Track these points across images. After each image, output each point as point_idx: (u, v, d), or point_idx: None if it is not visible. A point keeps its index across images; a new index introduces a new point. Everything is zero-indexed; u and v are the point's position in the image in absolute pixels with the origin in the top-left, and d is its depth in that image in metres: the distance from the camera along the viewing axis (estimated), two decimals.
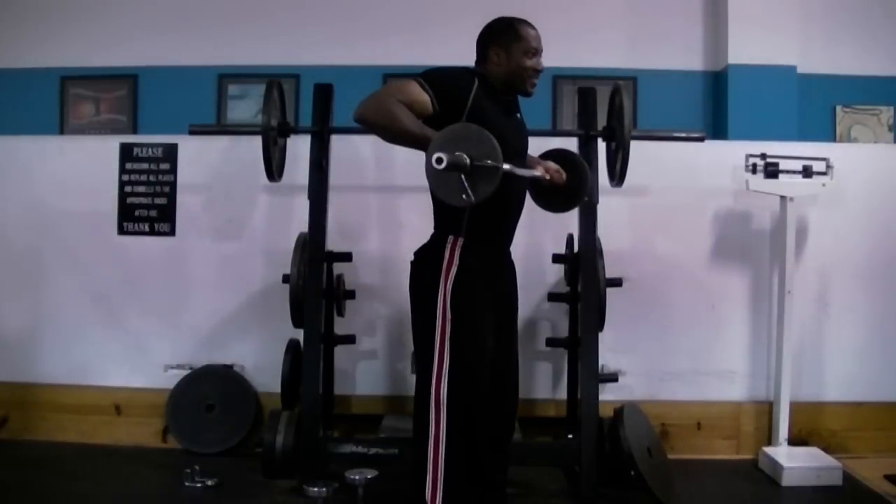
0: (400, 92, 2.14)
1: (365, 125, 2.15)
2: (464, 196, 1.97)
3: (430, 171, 1.95)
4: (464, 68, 2.30)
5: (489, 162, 1.94)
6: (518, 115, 2.42)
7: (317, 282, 3.17)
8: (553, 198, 2.57)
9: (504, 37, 2.29)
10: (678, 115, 4.19)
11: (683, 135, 3.34)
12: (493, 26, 2.33)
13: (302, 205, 3.22)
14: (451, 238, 2.20)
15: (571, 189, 2.52)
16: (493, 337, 2.25)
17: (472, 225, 2.20)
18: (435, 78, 2.19)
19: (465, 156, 1.93)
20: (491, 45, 2.30)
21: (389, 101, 2.10)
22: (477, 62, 2.35)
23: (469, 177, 1.95)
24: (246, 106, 4.25)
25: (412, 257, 2.32)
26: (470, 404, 2.17)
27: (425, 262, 2.25)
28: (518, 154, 2.34)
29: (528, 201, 2.49)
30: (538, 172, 2.33)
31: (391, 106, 2.09)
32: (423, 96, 2.15)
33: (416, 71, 4.10)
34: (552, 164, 2.44)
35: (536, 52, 2.30)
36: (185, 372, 3.67)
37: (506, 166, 1.99)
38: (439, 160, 1.90)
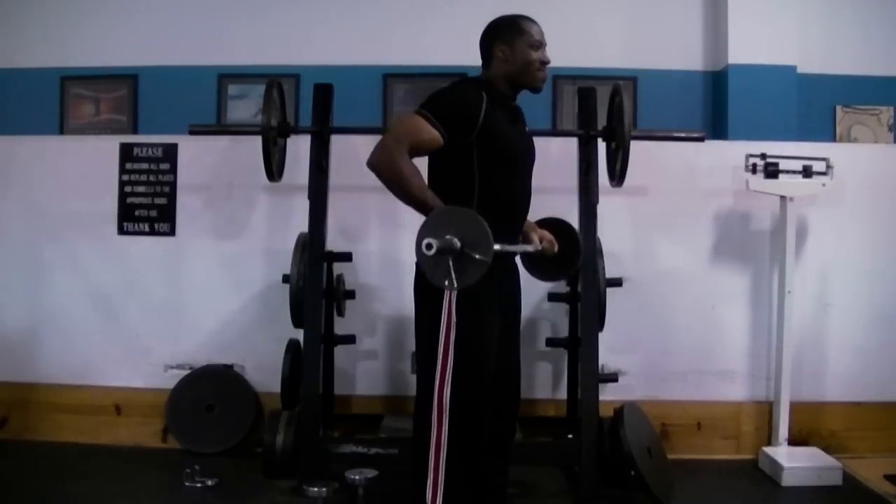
0: (409, 134, 2.14)
1: (377, 177, 2.17)
2: (446, 283, 1.95)
3: (419, 254, 1.94)
4: (470, 84, 2.28)
5: (477, 256, 1.91)
6: (524, 125, 2.41)
7: (317, 282, 3.17)
8: (544, 266, 2.57)
9: (507, 33, 2.30)
10: (678, 115, 4.18)
11: (683, 135, 3.35)
12: (496, 24, 2.34)
13: (302, 205, 3.22)
14: None
15: (562, 260, 2.53)
16: (497, 340, 2.25)
17: None
18: (442, 107, 2.19)
19: (455, 240, 1.91)
20: (495, 44, 2.30)
21: (399, 156, 2.11)
22: (483, 64, 2.35)
23: (457, 261, 1.93)
24: (246, 106, 4.25)
25: (416, 259, 2.32)
26: (472, 408, 2.16)
27: None
28: (526, 167, 2.35)
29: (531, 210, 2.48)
30: (530, 248, 2.33)
31: (401, 165, 2.11)
32: (431, 133, 2.15)
33: (415, 71, 4.17)
34: (547, 234, 2.45)
35: (541, 44, 2.31)
36: (185, 372, 3.67)
37: (497, 247, 1.97)
38: (429, 246, 1.88)
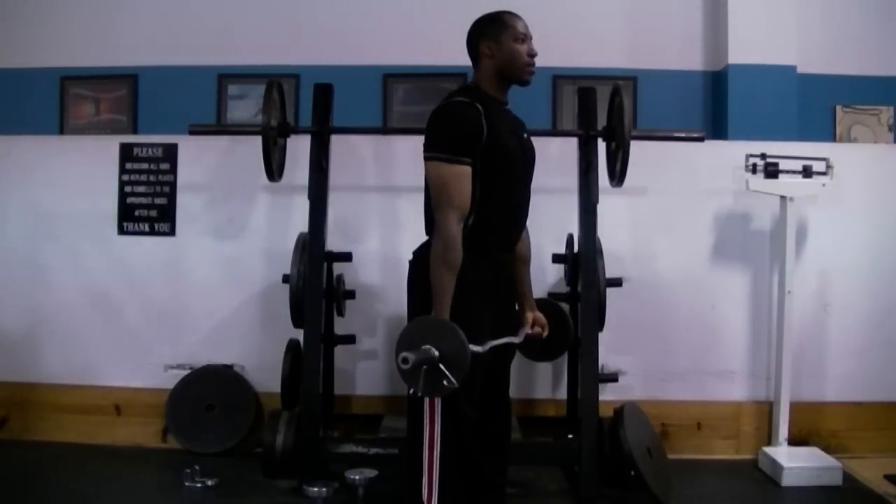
0: (449, 195, 2.13)
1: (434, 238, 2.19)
2: (411, 391, 1.98)
3: (397, 365, 1.95)
4: (463, 99, 2.24)
5: (445, 382, 1.93)
6: (522, 125, 2.40)
7: (317, 282, 3.17)
8: (533, 347, 2.63)
9: (491, 29, 2.29)
10: (678, 115, 4.18)
11: (683, 135, 3.34)
12: (479, 22, 2.33)
13: (302, 205, 3.22)
14: None
15: (551, 345, 2.59)
16: (488, 335, 2.24)
17: (473, 235, 2.20)
18: (450, 137, 2.17)
19: (432, 350, 1.92)
20: (481, 41, 2.30)
21: (453, 236, 2.11)
22: (473, 65, 2.34)
23: (431, 372, 1.94)
24: (246, 106, 4.25)
25: (411, 256, 2.32)
26: (464, 405, 2.16)
27: (424, 262, 2.25)
28: (527, 173, 2.35)
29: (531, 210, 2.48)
30: (517, 339, 2.35)
31: (451, 251, 2.11)
32: (461, 172, 2.15)
33: (415, 71, 4.16)
34: (541, 318, 2.47)
35: (526, 37, 2.29)
36: (185, 372, 3.67)
37: (477, 348, 1.99)
38: (405, 360, 1.88)
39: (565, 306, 3.23)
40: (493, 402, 2.31)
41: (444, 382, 1.93)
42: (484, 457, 2.26)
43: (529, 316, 2.43)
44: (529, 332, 2.40)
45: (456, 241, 2.13)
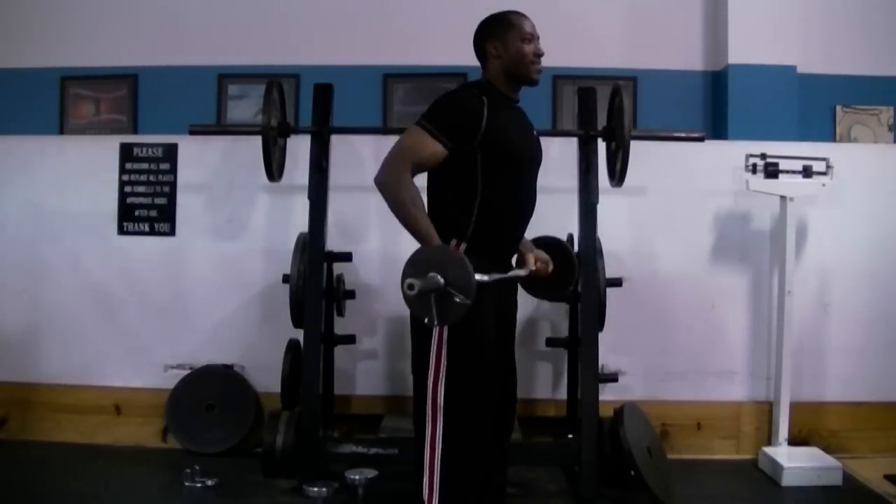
0: (411, 153, 2.16)
1: (382, 196, 2.19)
2: (426, 320, 1.97)
3: (403, 292, 1.94)
4: (470, 89, 2.28)
5: (457, 300, 1.92)
6: (530, 124, 2.41)
7: (317, 282, 3.17)
8: (540, 286, 2.59)
9: (498, 29, 2.30)
10: (678, 115, 4.18)
11: (683, 135, 3.35)
12: (486, 22, 2.34)
13: (302, 205, 3.22)
14: (453, 241, 2.20)
15: (557, 281, 2.54)
16: (490, 338, 2.25)
17: (476, 233, 2.20)
18: (443, 116, 2.19)
19: (438, 277, 1.92)
20: (487, 41, 2.31)
21: (401, 181, 2.14)
22: (481, 66, 2.35)
23: (440, 299, 1.93)
24: (246, 106, 4.25)
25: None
26: (467, 405, 2.16)
27: None
28: (532, 169, 2.36)
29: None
30: (522, 272, 2.33)
31: (403, 193, 2.13)
32: (434, 147, 2.17)
33: (415, 71, 4.16)
34: (542, 255, 2.44)
35: (532, 37, 2.30)
36: (185, 372, 3.67)
37: (483, 277, 1.98)
38: (410, 287, 1.88)
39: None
40: (496, 401, 2.31)
41: (457, 300, 1.91)
42: (484, 455, 2.26)
43: (530, 256, 2.38)
44: (533, 268, 2.36)
45: (410, 181, 2.15)
